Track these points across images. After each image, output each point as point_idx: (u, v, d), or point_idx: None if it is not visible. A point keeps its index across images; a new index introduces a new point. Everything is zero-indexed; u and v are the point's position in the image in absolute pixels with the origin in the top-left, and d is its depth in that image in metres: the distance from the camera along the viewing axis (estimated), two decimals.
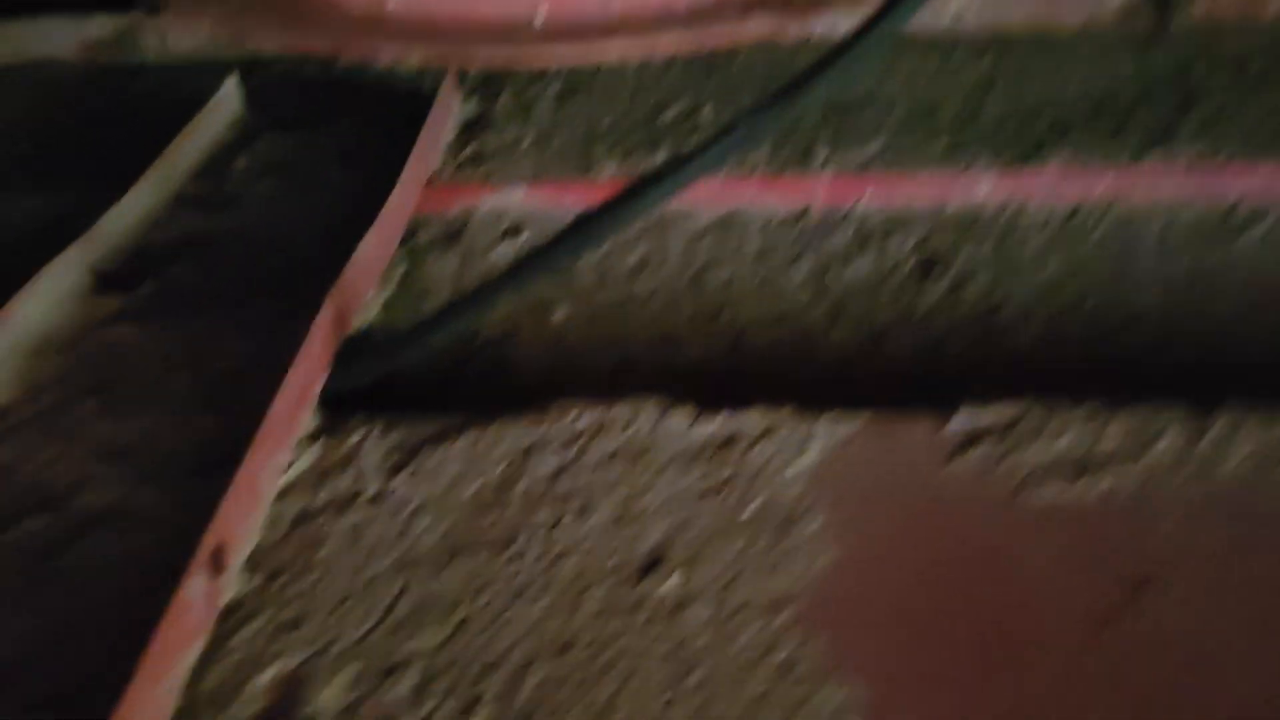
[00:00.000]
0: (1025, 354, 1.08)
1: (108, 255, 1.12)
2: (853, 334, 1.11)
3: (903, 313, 1.13)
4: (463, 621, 0.76)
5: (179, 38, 1.58)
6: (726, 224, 1.23)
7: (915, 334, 1.11)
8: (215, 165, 1.32)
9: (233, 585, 0.79)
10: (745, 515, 0.83)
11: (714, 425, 0.92)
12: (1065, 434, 0.88)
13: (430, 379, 1.07)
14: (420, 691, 0.71)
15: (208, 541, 0.76)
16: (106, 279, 1.10)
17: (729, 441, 0.90)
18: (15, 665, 0.73)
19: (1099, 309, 1.11)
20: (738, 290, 1.16)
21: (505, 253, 1.22)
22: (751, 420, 0.92)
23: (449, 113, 1.41)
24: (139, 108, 1.44)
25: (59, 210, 1.20)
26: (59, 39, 1.58)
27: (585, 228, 0.94)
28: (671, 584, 0.78)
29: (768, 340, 1.11)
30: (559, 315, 1.14)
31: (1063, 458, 0.86)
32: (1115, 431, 0.88)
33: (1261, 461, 0.84)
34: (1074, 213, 1.21)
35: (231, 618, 0.77)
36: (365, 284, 1.07)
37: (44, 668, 0.72)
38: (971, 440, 0.88)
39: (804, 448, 0.89)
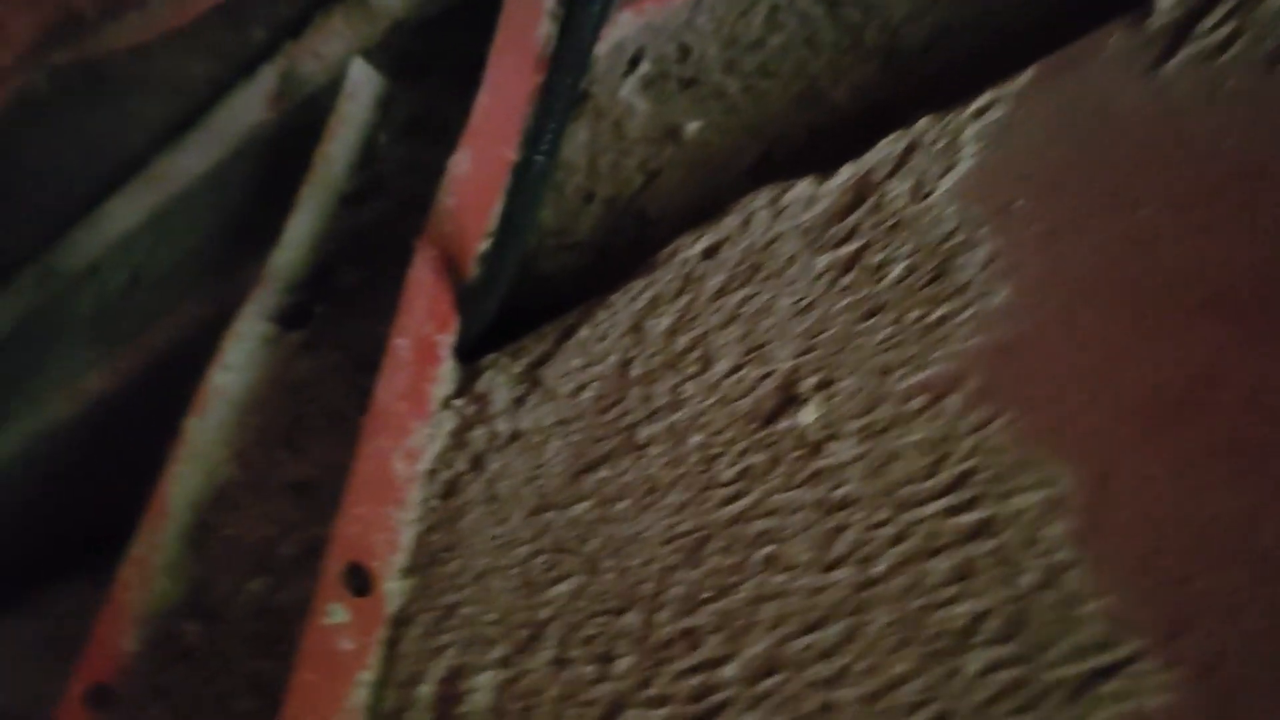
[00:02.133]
0: None
1: (285, 287, 1.12)
2: None
3: None
4: (597, 550, 0.62)
5: None
6: None
7: None
8: (366, 153, 1.28)
9: (395, 596, 0.72)
10: (884, 287, 0.60)
11: (839, 179, 0.67)
12: None
13: (578, 267, 0.93)
14: (562, 654, 0.59)
15: (332, 561, 0.70)
16: (287, 315, 1.09)
17: (858, 194, 0.66)
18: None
19: None
20: None
21: (634, 95, 1.03)
22: (880, 152, 0.66)
23: None
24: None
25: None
26: None
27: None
28: (808, 416, 0.58)
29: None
30: (690, 130, 0.93)
31: None
32: None
33: None
34: None
35: (399, 627, 0.71)
36: (473, 216, 0.95)
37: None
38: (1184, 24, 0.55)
39: (952, 157, 0.62)
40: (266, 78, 1.60)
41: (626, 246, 0.91)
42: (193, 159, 1.71)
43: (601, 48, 1.11)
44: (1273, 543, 0.39)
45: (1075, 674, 0.41)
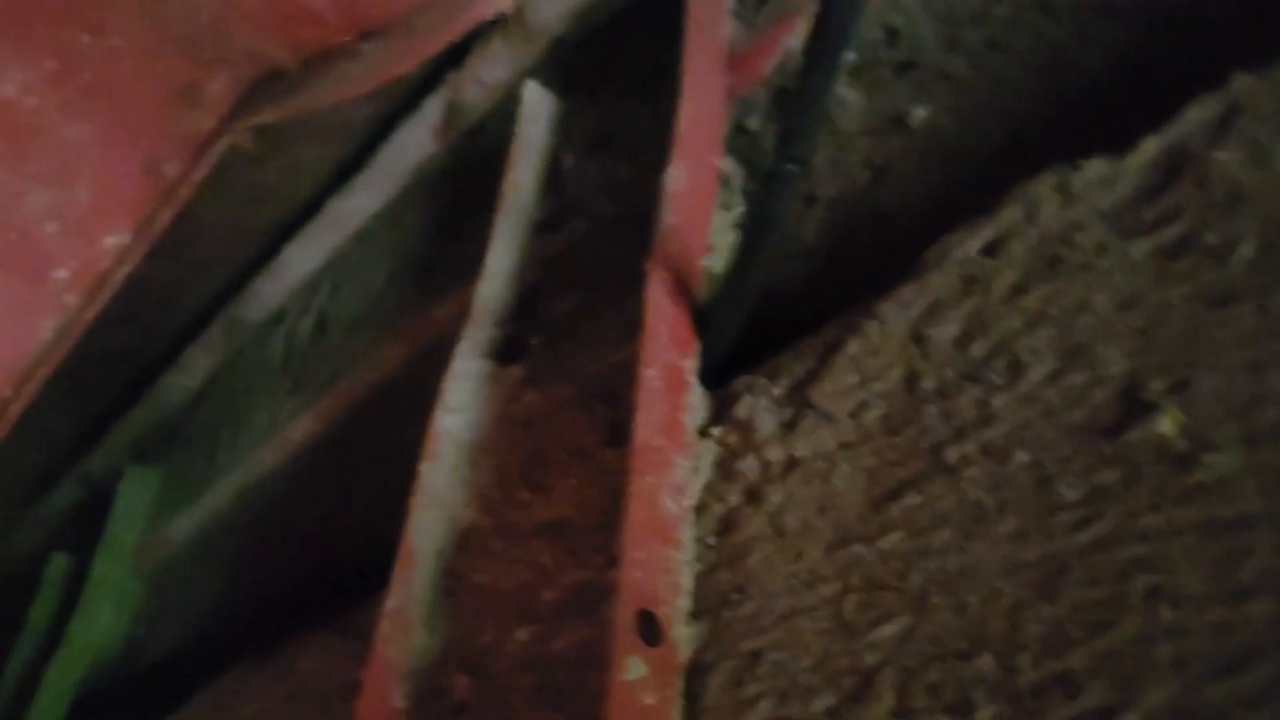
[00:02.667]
0: None
1: (495, 321, 1.10)
2: None
3: None
4: (922, 589, 0.58)
5: None
6: None
7: None
8: (552, 176, 1.26)
9: (684, 644, 0.69)
10: (1235, 271, 0.53)
11: (1143, 154, 0.61)
12: None
13: (809, 275, 0.88)
14: (903, 704, 0.55)
15: (622, 611, 0.67)
16: (501, 349, 1.08)
17: (1171, 168, 0.59)
18: None
19: None
20: None
21: (841, 86, 0.98)
22: (1191, 121, 0.59)
23: None
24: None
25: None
26: None
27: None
28: (1166, 425, 0.52)
29: None
30: (918, 117, 0.87)
31: None
32: None
33: None
34: None
35: (697, 677, 0.67)
36: (695, 232, 0.91)
37: None
38: None
39: None
40: (431, 110, 1.60)
41: (863, 250, 0.86)
42: (365, 199, 1.73)
43: (791, 41, 1.06)
44: None
45: None
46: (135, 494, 2.05)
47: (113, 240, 1.14)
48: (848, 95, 0.95)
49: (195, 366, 2.09)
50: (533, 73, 1.50)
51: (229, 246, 2.04)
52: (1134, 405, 0.54)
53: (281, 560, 1.54)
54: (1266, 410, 0.49)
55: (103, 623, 1.87)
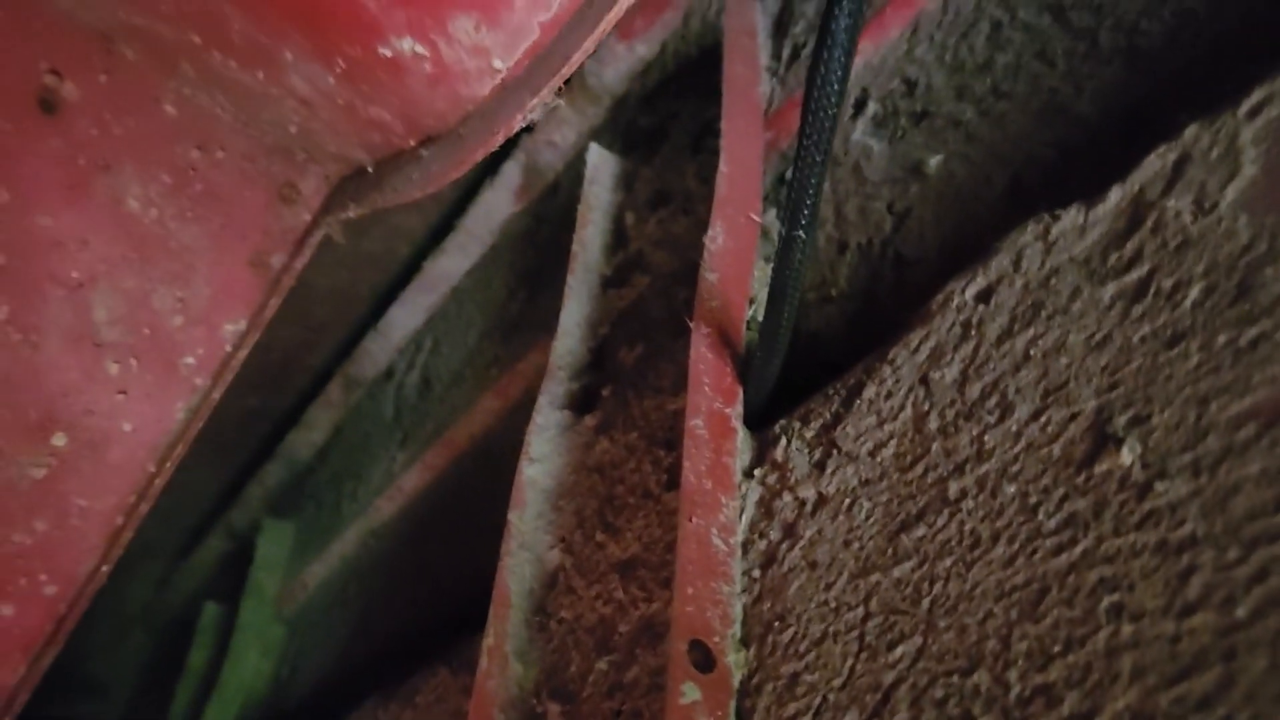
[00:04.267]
0: None
1: (571, 375, 1.20)
2: None
3: None
4: (930, 609, 0.64)
5: None
6: None
7: None
8: (617, 233, 1.36)
9: (736, 669, 0.77)
10: (1184, 312, 0.58)
11: (1109, 202, 0.67)
12: None
13: (844, 318, 0.95)
14: (915, 716, 0.62)
15: (677, 643, 0.75)
16: (577, 401, 1.18)
17: (1133, 216, 0.64)
18: None
19: None
20: None
21: (867, 136, 1.05)
22: (1149, 169, 0.65)
23: (750, 31, 1.27)
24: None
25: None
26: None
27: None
28: (1128, 456, 0.58)
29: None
30: (932, 164, 0.94)
31: None
32: None
33: None
34: None
35: (746, 698, 0.75)
36: (735, 286, 0.99)
37: None
38: None
39: (1233, 165, 0.60)
40: (510, 173, 1.72)
41: (888, 292, 0.92)
42: (457, 260, 1.86)
43: None
44: None
45: None
46: (273, 545, 2.22)
47: (231, 327, 1.29)
48: (873, 145, 1.02)
49: (318, 423, 2.26)
50: (597, 133, 1.61)
51: (341, 310, 2.21)
52: (1102, 438, 0.59)
53: (403, 600, 1.67)
54: (1209, 440, 0.54)
55: (251, 664, 2.04)
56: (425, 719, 1.25)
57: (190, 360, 1.31)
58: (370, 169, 1.07)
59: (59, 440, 1.29)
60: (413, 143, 0.94)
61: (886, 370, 0.78)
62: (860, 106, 1.05)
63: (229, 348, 1.32)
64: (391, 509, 1.78)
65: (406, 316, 1.99)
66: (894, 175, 0.97)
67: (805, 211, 0.75)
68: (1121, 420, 0.59)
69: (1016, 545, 0.61)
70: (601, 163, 1.42)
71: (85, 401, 1.30)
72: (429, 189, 0.87)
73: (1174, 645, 0.51)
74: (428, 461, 1.67)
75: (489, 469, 1.55)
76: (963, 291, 0.74)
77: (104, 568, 1.38)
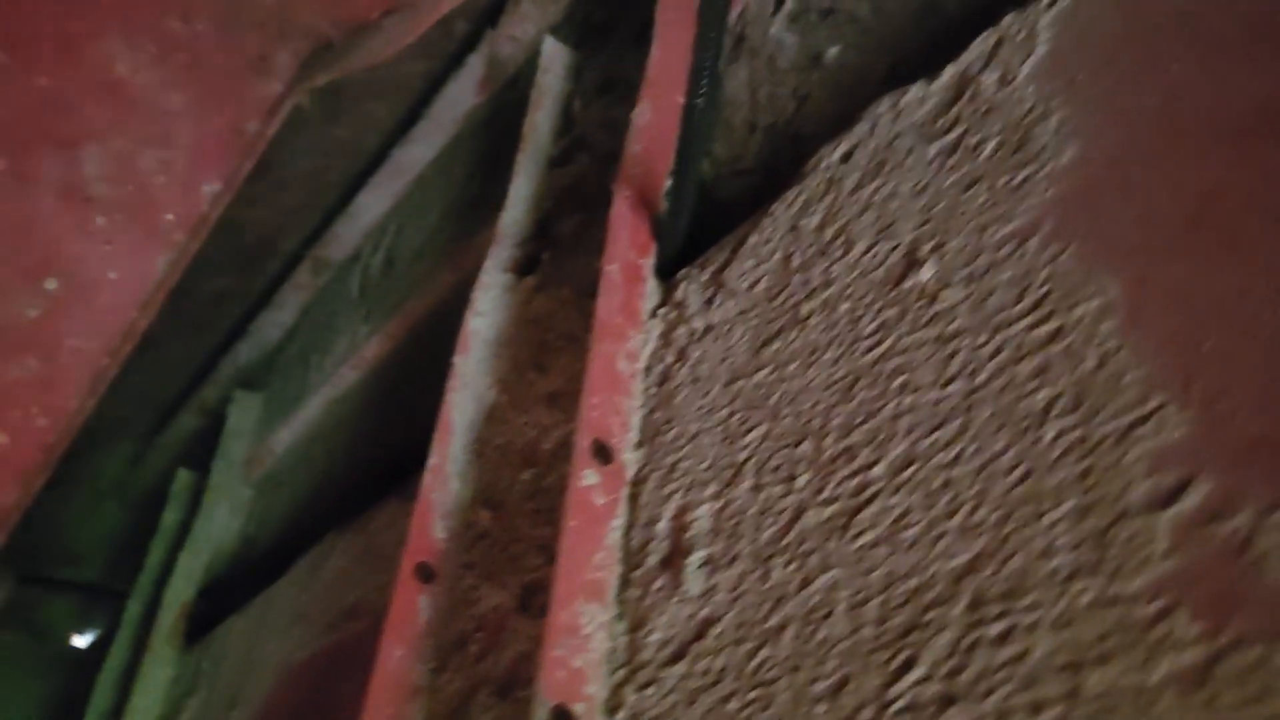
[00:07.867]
0: None
1: (515, 242, 1.35)
2: None
3: None
4: (776, 403, 0.80)
5: None
6: None
7: None
8: (564, 117, 1.49)
9: (632, 464, 0.93)
10: (980, 162, 0.73)
11: (943, 78, 0.81)
12: None
13: (750, 189, 1.09)
14: (758, 481, 0.78)
15: (581, 440, 0.91)
16: (520, 264, 1.32)
17: (958, 88, 0.79)
18: None
19: None
20: None
21: (782, 31, 1.18)
22: (975, 50, 0.79)
23: None
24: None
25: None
26: None
27: None
28: (926, 272, 0.73)
29: None
30: (831, 54, 1.07)
31: None
32: None
33: None
34: None
35: (637, 485, 0.91)
36: (657, 157, 1.13)
37: None
38: None
39: (1031, 46, 0.74)
40: (474, 66, 1.84)
41: (786, 166, 1.07)
42: (421, 149, 1.98)
43: None
44: (1257, 310, 0.52)
45: (1121, 425, 0.56)
46: (243, 415, 2.37)
47: (208, 188, 1.42)
48: (786, 38, 1.15)
49: (288, 304, 2.39)
50: (556, 29, 1.72)
51: (312, 196, 2.33)
52: (912, 262, 0.75)
53: (363, 457, 1.83)
54: (981, 258, 0.69)
55: (220, 522, 2.20)
56: (377, 543, 1.42)
57: (170, 217, 1.44)
58: (338, 41, 1.20)
59: (51, 284, 1.43)
60: (376, 14, 1.07)
61: (766, 221, 0.92)
62: (780, 3, 1.19)
63: (205, 207, 1.45)
64: (354, 376, 1.93)
65: (374, 202, 2.11)
66: (800, 64, 1.11)
67: (702, 83, 0.89)
68: (927, 247, 0.74)
69: (843, 348, 0.77)
70: (555, 54, 1.55)
71: (76, 250, 1.43)
72: (388, 52, 1.00)
73: (935, 407, 0.67)
74: (389, 331, 1.81)
75: (445, 336, 1.70)
76: (831, 154, 0.89)
77: (89, 403, 1.52)
